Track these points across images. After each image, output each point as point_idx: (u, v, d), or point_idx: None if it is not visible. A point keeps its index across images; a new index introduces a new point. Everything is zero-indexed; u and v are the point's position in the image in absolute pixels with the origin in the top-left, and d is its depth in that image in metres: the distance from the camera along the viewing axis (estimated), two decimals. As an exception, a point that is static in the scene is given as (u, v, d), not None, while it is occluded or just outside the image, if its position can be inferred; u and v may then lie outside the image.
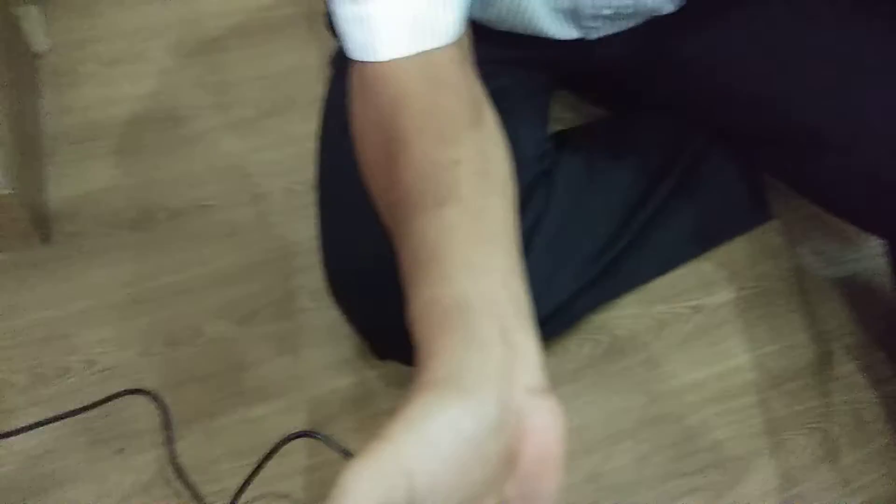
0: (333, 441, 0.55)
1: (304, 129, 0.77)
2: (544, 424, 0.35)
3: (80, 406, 0.58)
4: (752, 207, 0.74)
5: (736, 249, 0.73)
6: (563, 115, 0.79)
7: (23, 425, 0.58)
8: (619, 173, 0.66)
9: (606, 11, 0.54)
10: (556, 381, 0.64)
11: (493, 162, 0.42)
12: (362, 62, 0.41)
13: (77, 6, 0.87)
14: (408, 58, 0.41)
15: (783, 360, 0.67)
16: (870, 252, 0.73)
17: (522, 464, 0.35)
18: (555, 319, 0.61)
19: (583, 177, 0.63)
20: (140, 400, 0.60)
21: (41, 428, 0.58)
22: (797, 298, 0.71)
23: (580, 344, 0.67)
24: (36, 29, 0.83)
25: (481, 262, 0.38)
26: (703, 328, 0.69)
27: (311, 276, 0.68)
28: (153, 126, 0.79)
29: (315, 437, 0.56)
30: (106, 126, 0.79)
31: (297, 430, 0.55)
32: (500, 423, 0.33)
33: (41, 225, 0.70)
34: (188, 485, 0.56)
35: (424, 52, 0.41)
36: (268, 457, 0.54)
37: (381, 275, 0.46)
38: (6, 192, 0.64)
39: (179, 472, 0.57)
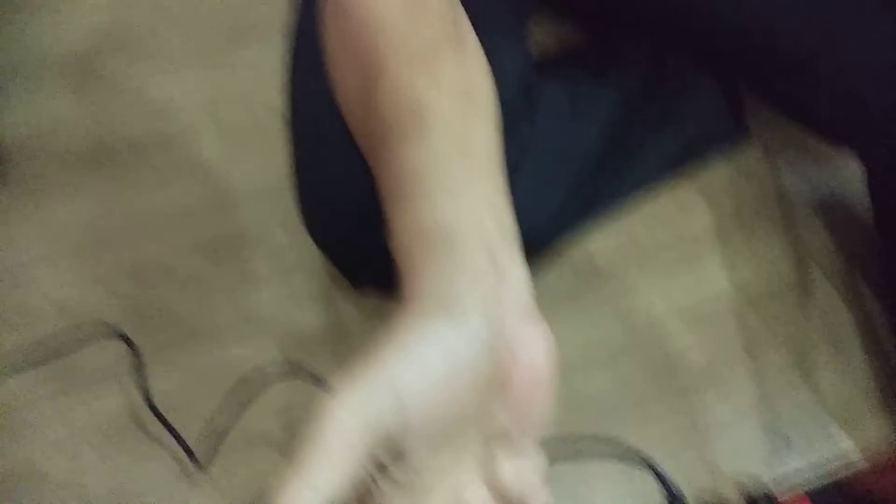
0: (314, 374, 0.54)
1: (272, 59, 0.74)
2: (534, 349, 0.35)
3: (52, 350, 0.56)
4: (731, 127, 0.73)
5: (715, 173, 0.72)
6: (544, 40, 0.76)
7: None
8: (601, 100, 0.64)
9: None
10: (544, 308, 0.64)
11: (475, 84, 0.41)
12: None
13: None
14: None
15: (761, 282, 0.67)
16: (849, 175, 0.73)
17: (513, 389, 0.34)
18: (536, 244, 0.60)
19: (565, 104, 0.61)
20: (112, 343, 0.59)
21: (13, 375, 0.56)
22: (776, 221, 0.71)
23: (561, 272, 0.66)
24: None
25: (466, 185, 0.36)
26: (684, 253, 0.68)
27: (284, 211, 0.66)
28: (109, 57, 0.75)
29: (299, 374, 0.55)
30: (59, 58, 0.75)
31: (278, 370, 0.54)
32: (491, 348, 0.32)
33: (-6, 163, 0.67)
34: (167, 426, 0.55)
35: None
36: (249, 395, 0.53)
37: (356, 204, 0.44)
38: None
39: (156, 413, 0.56)
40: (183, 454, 0.55)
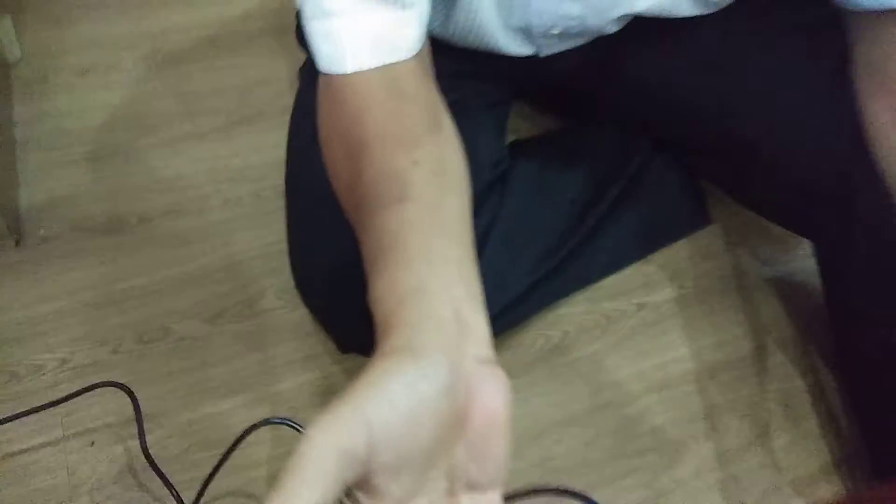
0: (296, 423, 0.58)
1: (272, 139, 0.81)
2: (491, 390, 0.39)
3: (54, 399, 0.60)
4: (693, 212, 0.79)
5: (677, 251, 0.79)
6: (519, 125, 0.84)
7: (-4, 419, 0.60)
8: (569, 178, 0.71)
9: (555, 31, 0.59)
10: (511, 373, 0.68)
11: (449, 164, 0.47)
12: (329, 73, 0.45)
13: (49, 18, 0.90)
14: (371, 70, 0.45)
15: (720, 352, 0.72)
16: (802, 253, 0.79)
17: (471, 426, 0.39)
18: (509, 313, 0.65)
19: (535, 180, 0.68)
20: (111, 394, 0.63)
21: (15, 421, 0.60)
22: (734, 296, 0.77)
23: (533, 339, 0.71)
24: (8, 39, 0.85)
25: (437, 251, 0.42)
26: (647, 323, 0.73)
27: (278, 277, 0.71)
28: (123, 134, 0.82)
29: (284, 424, 0.59)
30: (76, 134, 0.82)
31: (264, 419, 0.58)
32: (451, 387, 0.37)
33: (13, 229, 0.72)
34: (159, 474, 0.59)
35: (387, 65, 0.45)
36: (235, 444, 0.57)
37: (345, 270, 0.49)
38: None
39: (151, 462, 0.59)
40: (172, 500, 0.58)
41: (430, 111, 0.48)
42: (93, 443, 0.62)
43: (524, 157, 0.70)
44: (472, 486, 0.40)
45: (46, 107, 0.83)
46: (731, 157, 0.68)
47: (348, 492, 0.37)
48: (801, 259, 0.79)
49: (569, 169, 0.71)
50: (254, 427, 0.56)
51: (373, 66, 0.45)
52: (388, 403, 0.35)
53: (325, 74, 0.46)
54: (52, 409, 0.61)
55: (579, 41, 0.63)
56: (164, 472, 0.59)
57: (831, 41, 0.54)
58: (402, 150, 0.45)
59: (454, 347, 0.38)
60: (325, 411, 0.35)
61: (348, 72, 0.45)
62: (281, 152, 0.65)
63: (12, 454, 0.61)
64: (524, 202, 0.65)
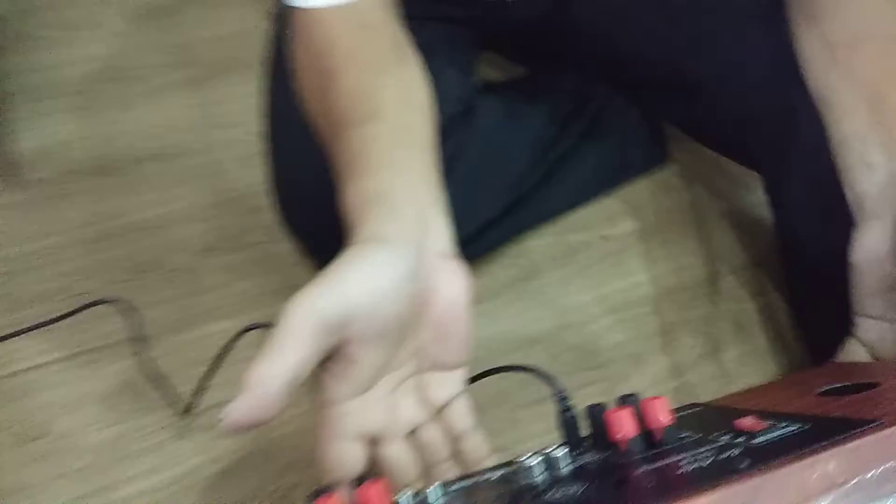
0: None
1: (254, 86, 0.85)
2: (451, 279, 0.45)
3: (55, 316, 0.65)
4: (652, 151, 0.85)
5: (638, 188, 0.84)
6: (490, 74, 0.88)
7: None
8: (532, 115, 0.76)
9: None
10: (482, 298, 0.74)
11: (415, 90, 0.51)
12: (300, 8, 0.50)
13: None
14: (339, 5, 0.50)
15: (676, 278, 0.78)
16: (753, 186, 0.85)
17: (434, 311, 0.44)
18: (475, 242, 0.70)
19: (501, 116, 0.72)
20: (111, 316, 0.68)
21: (17, 337, 0.64)
22: (692, 228, 0.82)
23: (504, 267, 0.76)
24: (-4, -7, 0.88)
25: (403, 161, 0.47)
26: (609, 253, 0.79)
27: (262, 216, 0.76)
28: (110, 85, 0.86)
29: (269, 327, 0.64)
30: (65, 85, 0.85)
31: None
32: (416, 272, 0.42)
33: (12, 169, 0.76)
34: (161, 385, 0.64)
35: (353, 1, 0.50)
36: (227, 347, 0.61)
37: (318, 184, 0.53)
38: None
39: (150, 376, 0.64)
40: (173, 408, 0.63)
41: (395, 43, 0.52)
42: (96, 360, 0.67)
43: (491, 96, 0.74)
44: (438, 366, 0.46)
45: (34, 60, 0.87)
46: (680, 95, 0.73)
47: (327, 358, 0.42)
48: (753, 192, 0.84)
49: (533, 107, 0.76)
50: (244, 330, 0.61)
51: (341, 3, 0.50)
52: (361, 281, 0.40)
53: (295, 10, 0.51)
54: (54, 326, 0.66)
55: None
56: (164, 383, 0.64)
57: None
58: (370, 75, 0.49)
59: (418, 240, 0.43)
60: (304, 287, 0.40)
61: (317, 6, 0.50)
62: (260, 99, 0.69)
63: (15, 373, 0.65)
64: (489, 135, 0.70)
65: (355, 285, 0.40)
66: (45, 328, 0.66)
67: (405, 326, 0.42)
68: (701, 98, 0.71)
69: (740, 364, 0.73)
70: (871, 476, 0.29)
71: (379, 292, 0.40)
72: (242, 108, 0.84)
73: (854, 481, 0.29)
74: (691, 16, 0.67)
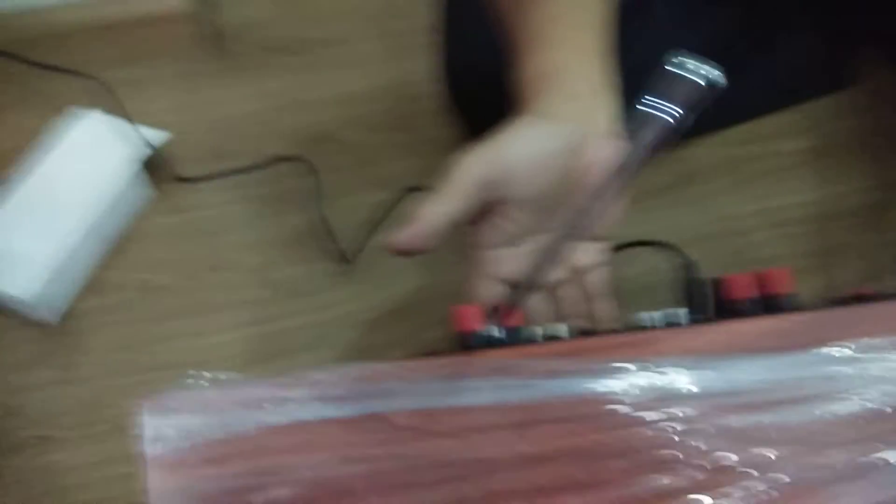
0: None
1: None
2: (611, 157, 0.46)
3: (248, 165, 0.74)
4: (838, 71, 0.80)
5: (819, 106, 0.80)
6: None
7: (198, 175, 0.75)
8: (713, 17, 0.73)
9: None
10: (642, 198, 0.74)
11: None
12: None
13: None
14: None
15: (845, 201, 0.74)
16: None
17: (589, 185, 0.46)
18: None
19: (679, 13, 0.71)
20: (293, 174, 0.75)
21: (216, 180, 0.74)
22: (869, 153, 0.77)
23: (664, 172, 0.76)
24: None
25: (579, 41, 0.49)
26: (778, 168, 0.76)
27: (423, 103, 0.80)
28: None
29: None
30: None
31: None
32: (578, 149, 0.44)
33: (216, 41, 0.85)
34: (330, 238, 0.71)
35: None
36: (393, 205, 0.68)
37: (492, 67, 0.56)
38: (192, 10, 0.80)
39: (324, 229, 0.71)
40: (338, 259, 0.70)
41: None
42: (278, 210, 0.74)
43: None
44: (585, 237, 0.48)
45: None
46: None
47: (486, 210, 0.46)
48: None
49: (715, 8, 0.73)
50: (408, 190, 0.67)
51: None
52: (521, 149, 0.44)
53: None
54: (246, 176, 0.75)
55: None
56: (331, 238, 0.71)
57: None
58: None
59: (586, 118, 0.46)
60: (471, 148, 0.44)
61: None
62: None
63: (209, 212, 0.74)
64: (664, 28, 0.69)
65: (515, 152, 0.43)
66: (239, 175, 0.74)
67: (559, 196, 0.45)
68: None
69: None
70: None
71: (537, 162, 0.44)
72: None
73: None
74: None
